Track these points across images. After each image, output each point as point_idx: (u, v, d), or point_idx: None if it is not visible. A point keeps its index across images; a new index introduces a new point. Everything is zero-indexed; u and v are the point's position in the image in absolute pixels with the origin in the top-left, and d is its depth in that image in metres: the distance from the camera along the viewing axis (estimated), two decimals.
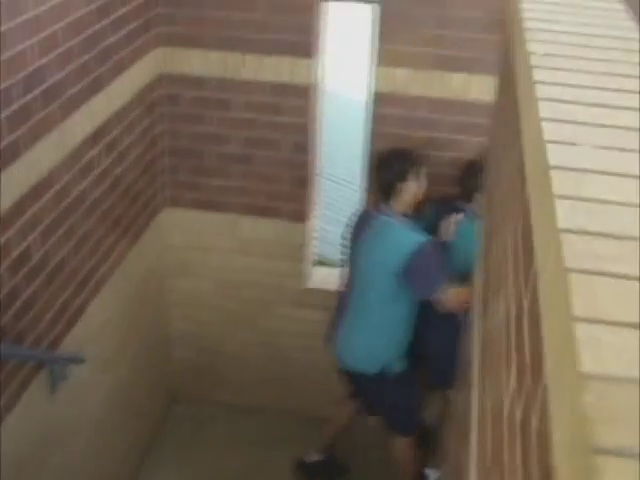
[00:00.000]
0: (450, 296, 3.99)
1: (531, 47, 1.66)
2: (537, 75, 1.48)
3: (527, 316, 1.22)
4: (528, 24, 1.82)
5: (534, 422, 1.01)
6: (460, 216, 4.28)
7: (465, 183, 4.32)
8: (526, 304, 1.24)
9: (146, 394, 5.07)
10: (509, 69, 2.16)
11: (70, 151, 3.59)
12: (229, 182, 4.85)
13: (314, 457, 5.05)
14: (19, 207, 3.24)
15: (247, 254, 5.06)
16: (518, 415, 1.16)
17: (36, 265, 3.42)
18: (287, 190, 4.80)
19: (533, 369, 1.08)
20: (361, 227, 4.23)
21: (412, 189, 4.15)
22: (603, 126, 1.27)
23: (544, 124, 1.27)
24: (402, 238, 4.05)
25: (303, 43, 4.39)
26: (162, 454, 5.28)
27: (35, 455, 3.61)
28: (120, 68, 4.03)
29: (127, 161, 4.25)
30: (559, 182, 1.08)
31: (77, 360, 3.73)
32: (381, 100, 4.54)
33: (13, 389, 3.36)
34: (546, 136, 1.23)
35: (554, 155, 1.16)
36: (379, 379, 4.33)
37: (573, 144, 1.21)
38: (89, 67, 3.69)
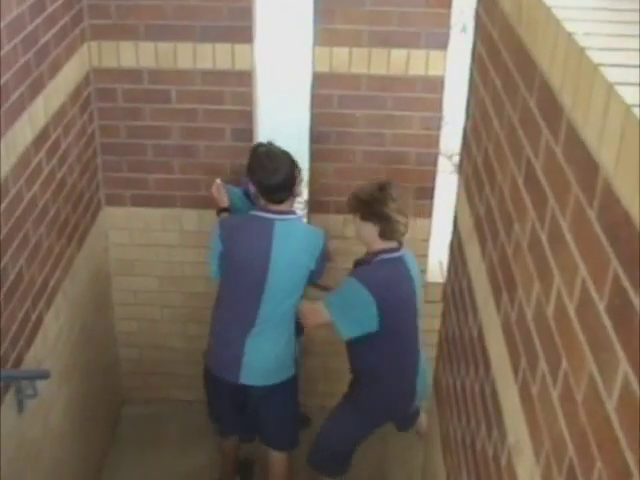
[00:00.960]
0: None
1: (569, 27, 1.61)
2: (596, 58, 1.44)
3: None
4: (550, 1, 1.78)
5: None
6: None
7: None
8: None
9: (97, 399, 4.91)
10: (511, 48, 2.12)
11: (18, 159, 3.42)
12: (170, 175, 4.72)
13: None
14: None
15: (192, 247, 4.94)
16: None
17: None
18: (230, 179, 4.69)
19: None
20: (260, 235, 3.96)
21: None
22: None
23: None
24: (313, 234, 4.13)
25: (241, 28, 4.28)
26: (119, 459, 5.15)
27: (8, 477, 3.46)
28: (55, 68, 3.85)
29: (67, 163, 4.09)
30: None
31: (43, 375, 3.58)
32: (321, 80, 4.48)
33: None
34: None
35: None
36: (287, 385, 4.24)
37: None
38: (28, 70, 3.51)
